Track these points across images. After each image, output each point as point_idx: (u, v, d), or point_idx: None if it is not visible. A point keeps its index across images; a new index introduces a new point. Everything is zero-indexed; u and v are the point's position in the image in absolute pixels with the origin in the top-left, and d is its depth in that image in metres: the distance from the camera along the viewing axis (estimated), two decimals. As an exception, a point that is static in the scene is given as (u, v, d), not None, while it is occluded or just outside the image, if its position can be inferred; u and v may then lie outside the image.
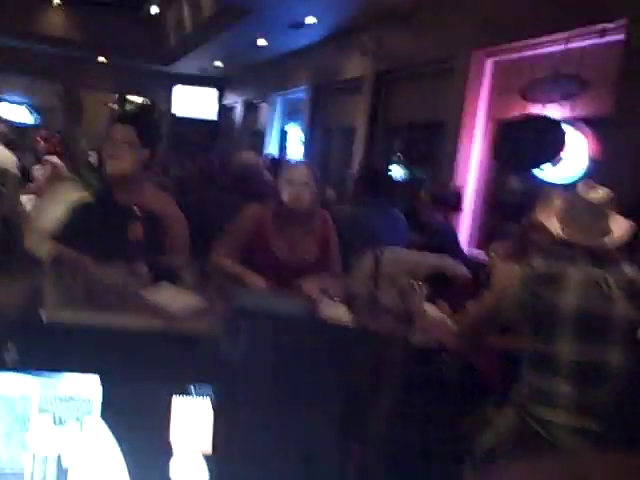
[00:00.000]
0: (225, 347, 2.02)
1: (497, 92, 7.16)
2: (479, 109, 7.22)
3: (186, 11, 13.78)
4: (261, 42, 11.94)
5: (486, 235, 6.90)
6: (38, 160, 8.59)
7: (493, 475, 0.97)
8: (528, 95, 6.21)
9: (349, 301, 3.04)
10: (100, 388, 0.79)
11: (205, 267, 3.34)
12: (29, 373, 0.78)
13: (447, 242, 4.94)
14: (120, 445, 0.78)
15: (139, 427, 0.79)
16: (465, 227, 7.17)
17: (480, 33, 7.03)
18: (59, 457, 0.77)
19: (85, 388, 0.79)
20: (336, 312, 2.84)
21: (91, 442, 0.78)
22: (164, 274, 2.97)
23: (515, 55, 6.79)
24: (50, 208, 3.25)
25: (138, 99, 17.64)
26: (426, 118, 8.47)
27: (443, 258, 3.77)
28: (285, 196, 3.55)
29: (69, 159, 8.86)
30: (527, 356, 2.48)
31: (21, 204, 7.45)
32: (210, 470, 0.80)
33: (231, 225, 3.68)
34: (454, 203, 5.26)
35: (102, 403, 0.79)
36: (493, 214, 7.14)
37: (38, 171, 8.16)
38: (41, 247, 3.15)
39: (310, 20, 9.89)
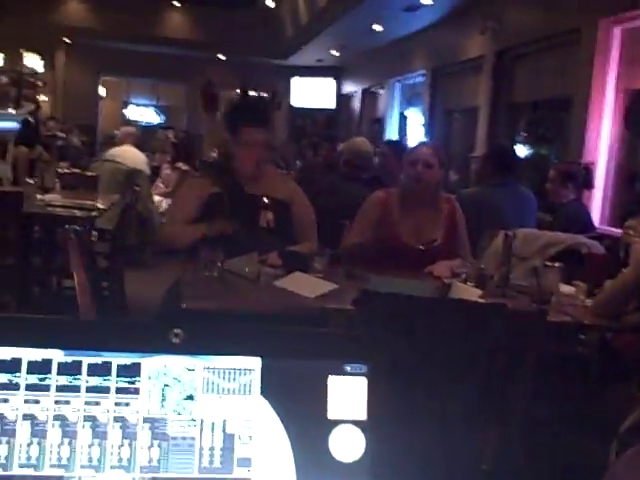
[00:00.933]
0: (359, 327, 2.05)
1: (627, 61, 6.83)
2: (608, 80, 6.91)
3: (301, 3, 13.94)
4: (376, 28, 11.90)
5: (620, 211, 6.62)
6: (169, 161, 8.97)
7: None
8: (662, 62, 5.90)
9: (481, 283, 3.01)
10: (261, 368, 0.84)
11: (334, 253, 3.39)
12: (194, 354, 0.83)
13: (579, 220, 4.77)
14: (281, 419, 0.83)
15: (298, 403, 0.83)
16: (597, 204, 6.90)
17: (605, 0, 6.74)
18: (224, 424, 0.82)
19: (246, 367, 0.83)
20: (469, 294, 2.82)
21: (254, 415, 0.83)
22: (296, 263, 3.04)
23: (645, 21, 6.46)
24: (185, 204, 3.40)
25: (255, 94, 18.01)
26: (551, 93, 8.21)
27: (576, 237, 3.67)
28: (409, 178, 3.55)
29: (195, 157, 9.20)
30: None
31: (153, 201, 7.84)
32: (366, 438, 0.83)
33: (359, 213, 3.72)
34: (584, 180, 5.06)
35: (262, 381, 0.83)
36: (627, 189, 6.84)
37: (170, 176, 8.52)
38: (180, 236, 3.29)
39: (426, 1, 9.76)
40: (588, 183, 5.23)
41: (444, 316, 2.12)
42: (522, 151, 8.72)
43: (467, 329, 2.11)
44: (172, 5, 16.58)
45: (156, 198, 8.10)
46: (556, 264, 3.08)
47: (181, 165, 8.41)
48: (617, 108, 6.80)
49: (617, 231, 4.81)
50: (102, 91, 18.72)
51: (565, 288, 3.11)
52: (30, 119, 8.21)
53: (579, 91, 7.14)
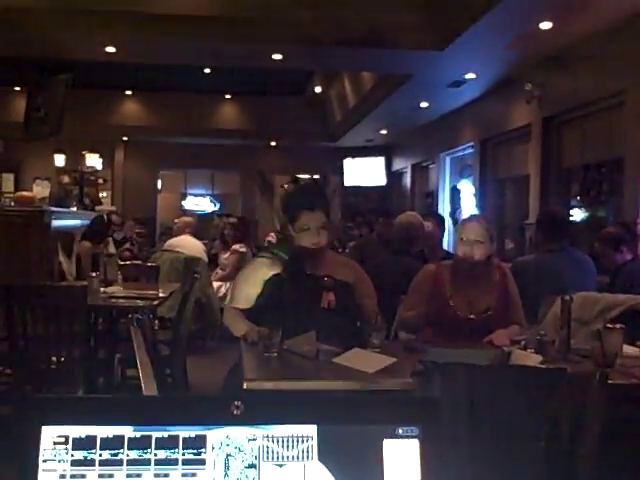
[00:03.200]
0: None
1: (675, 118, 6.82)
2: (657, 138, 6.90)
3: (348, 87, 14.31)
4: (423, 105, 12.13)
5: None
6: (224, 244, 9.17)
7: None
8: None
9: (542, 349, 2.99)
10: (317, 435, 0.88)
11: (391, 328, 3.42)
12: (254, 424, 0.88)
13: (638, 280, 4.71)
14: (338, 484, 0.86)
15: (355, 468, 0.87)
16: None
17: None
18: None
19: (303, 434, 0.88)
20: (529, 361, 2.80)
21: (312, 480, 0.86)
22: (355, 340, 3.08)
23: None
24: (246, 286, 3.50)
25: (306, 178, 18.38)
26: (602, 156, 8.20)
27: (637, 297, 3.62)
28: (459, 253, 3.60)
29: (252, 242, 9.38)
30: None
31: (212, 288, 7.99)
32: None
33: (411, 286, 3.76)
34: (628, 238, 5.02)
35: (319, 447, 0.88)
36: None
37: (227, 259, 8.70)
38: (237, 325, 3.39)
39: (469, 76, 9.94)
40: (636, 236, 5.20)
41: (505, 384, 2.12)
42: (578, 215, 8.66)
43: (528, 396, 2.10)
44: (224, 98, 17.19)
45: (215, 284, 8.26)
46: (617, 326, 3.04)
47: (238, 247, 8.57)
48: (670, 165, 6.77)
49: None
50: (160, 184, 19.33)
51: (629, 350, 3.06)
52: (104, 216, 8.53)
53: (629, 151, 7.13)
